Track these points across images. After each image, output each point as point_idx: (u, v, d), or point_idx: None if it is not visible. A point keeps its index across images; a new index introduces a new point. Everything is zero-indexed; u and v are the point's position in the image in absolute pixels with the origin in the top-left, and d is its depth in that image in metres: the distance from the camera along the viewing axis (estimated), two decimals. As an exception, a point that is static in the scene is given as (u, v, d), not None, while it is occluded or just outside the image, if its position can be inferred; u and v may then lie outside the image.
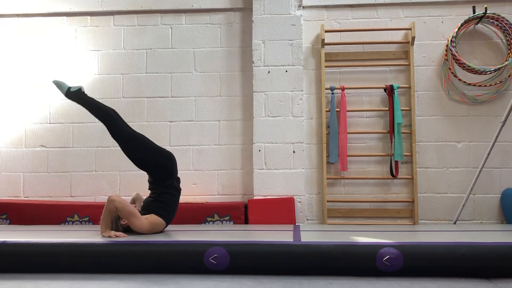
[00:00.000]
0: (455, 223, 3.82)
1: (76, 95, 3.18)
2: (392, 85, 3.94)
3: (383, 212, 3.97)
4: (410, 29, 3.96)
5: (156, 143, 4.16)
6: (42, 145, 4.25)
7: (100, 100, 4.21)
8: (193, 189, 4.10)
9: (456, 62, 3.93)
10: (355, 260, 2.44)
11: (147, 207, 3.08)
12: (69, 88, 3.17)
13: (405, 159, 3.94)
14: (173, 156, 3.23)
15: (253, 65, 4.05)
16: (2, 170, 4.25)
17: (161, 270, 2.50)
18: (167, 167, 3.16)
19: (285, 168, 3.95)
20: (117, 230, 2.90)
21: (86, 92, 3.23)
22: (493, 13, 3.89)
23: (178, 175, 3.25)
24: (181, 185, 3.25)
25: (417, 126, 3.98)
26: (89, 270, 2.52)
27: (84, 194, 4.18)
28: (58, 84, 3.18)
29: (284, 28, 4.05)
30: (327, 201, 3.95)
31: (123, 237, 2.81)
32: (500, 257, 2.38)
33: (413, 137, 3.94)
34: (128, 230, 2.98)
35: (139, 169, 4.22)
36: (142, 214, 3.01)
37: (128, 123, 3.32)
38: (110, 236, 2.81)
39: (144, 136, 3.23)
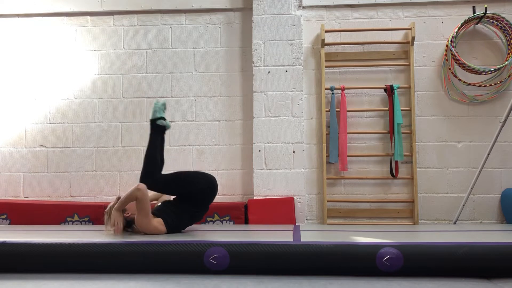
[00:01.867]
0: (455, 223, 3.82)
1: (159, 128, 3.16)
2: (392, 85, 3.94)
3: (383, 212, 3.97)
4: (410, 29, 3.96)
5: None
6: (42, 145, 4.25)
7: (100, 100, 4.26)
8: (193, 189, 4.09)
9: (456, 62, 3.93)
10: (355, 260, 2.43)
11: (161, 212, 3.05)
12: (162, 118, 3.14)
13: (405, 159, 3.94)
14: (216, 187, 3.21)
15: (253, 65, 4.05)
16: (2, 170, 4.25)
17: (161, 270, 2.50)
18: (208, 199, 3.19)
19: (285, 168, 3.95)
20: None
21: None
22: (493, 13, 3.89)
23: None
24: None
25: (417, 126, 3.98)
26: (89, 270, 2.52)
27: (84, 194, 4.18)
28: (157, 108, 3.12)
29: (284, 28, 4.05)
30: (327, 201, 3.95)
31: (117, 233, 2.88)
32: (500, 257, 2.38)
33: (413, 137, 3.94)
34: (129, 224, 3.00)
35: (139, 170, 4.23)
36: (152, 213, 3.01)
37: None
38: (114, 222, 2.89)
39: (176, 173, 3.17)
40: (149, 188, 3.04)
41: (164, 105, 3.18)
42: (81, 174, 4.20)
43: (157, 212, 3.05)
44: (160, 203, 3.19)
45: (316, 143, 4.07)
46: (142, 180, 3.06)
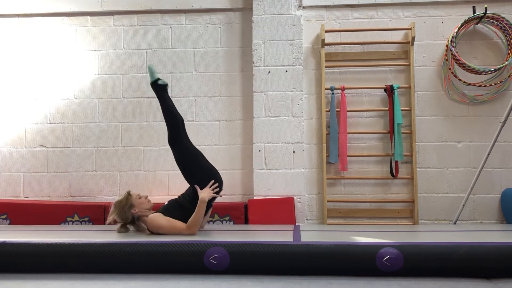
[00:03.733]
0: (455, 223, 3.82)
1: (160, 88, 3.19)
2: (392, 85, 3.94)
3: (383, 212, 3.97)
4: (410, 29, 3.96)
5: (156, 143, 4.19)
6: (42, 145, 4.25)
7: (100, 100, 4.26)
8: (193, 189, 4.09)
9: (456, 62, 3.93)
10: (355, 260, 2.44)
11: (176, 209, 3.03)
12: (159, 79, 3.19)
13: (405, 159, 3.94)
14: (222, 181, 3.20)
15: (253, 65, 4.05)
16: (2, 170, 4.25)
17: (161, 270, 2.50)
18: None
19: (285, 168, 3.95)
20: (124, 218, 2.98)
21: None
22: (493, 13, 3.89)
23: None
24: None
25: (417, 126, 3.98)
26: (89, 270, 2.52)
27: (84, 194, 4.18)
28: (151, 71, 3.19)
29: (284, 28, 4.05)
30: (327, 201, 3.95)
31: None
32: (500, 257, 2.39)
33: (413, 137, 3.94)
34: (133, 222, 3.02)
35: (139, 170, 4.26)
36: (164, 212, 2.99)
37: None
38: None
39: (200, 154, 3.19)
40: (176, 152, 3.15)
41: (155, 69, 3.22)
42: (81, 174, 4.20)
43: (168, 213, 2.99)
44: (166, 203, 3.15)
45: (316, 143, 4.07)
46: (171, 138, 3.15)
